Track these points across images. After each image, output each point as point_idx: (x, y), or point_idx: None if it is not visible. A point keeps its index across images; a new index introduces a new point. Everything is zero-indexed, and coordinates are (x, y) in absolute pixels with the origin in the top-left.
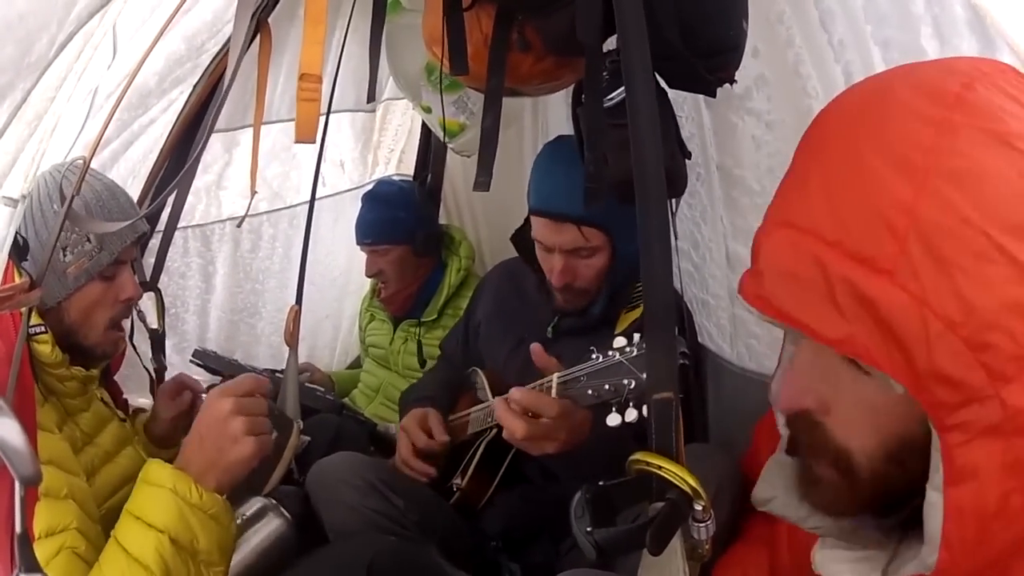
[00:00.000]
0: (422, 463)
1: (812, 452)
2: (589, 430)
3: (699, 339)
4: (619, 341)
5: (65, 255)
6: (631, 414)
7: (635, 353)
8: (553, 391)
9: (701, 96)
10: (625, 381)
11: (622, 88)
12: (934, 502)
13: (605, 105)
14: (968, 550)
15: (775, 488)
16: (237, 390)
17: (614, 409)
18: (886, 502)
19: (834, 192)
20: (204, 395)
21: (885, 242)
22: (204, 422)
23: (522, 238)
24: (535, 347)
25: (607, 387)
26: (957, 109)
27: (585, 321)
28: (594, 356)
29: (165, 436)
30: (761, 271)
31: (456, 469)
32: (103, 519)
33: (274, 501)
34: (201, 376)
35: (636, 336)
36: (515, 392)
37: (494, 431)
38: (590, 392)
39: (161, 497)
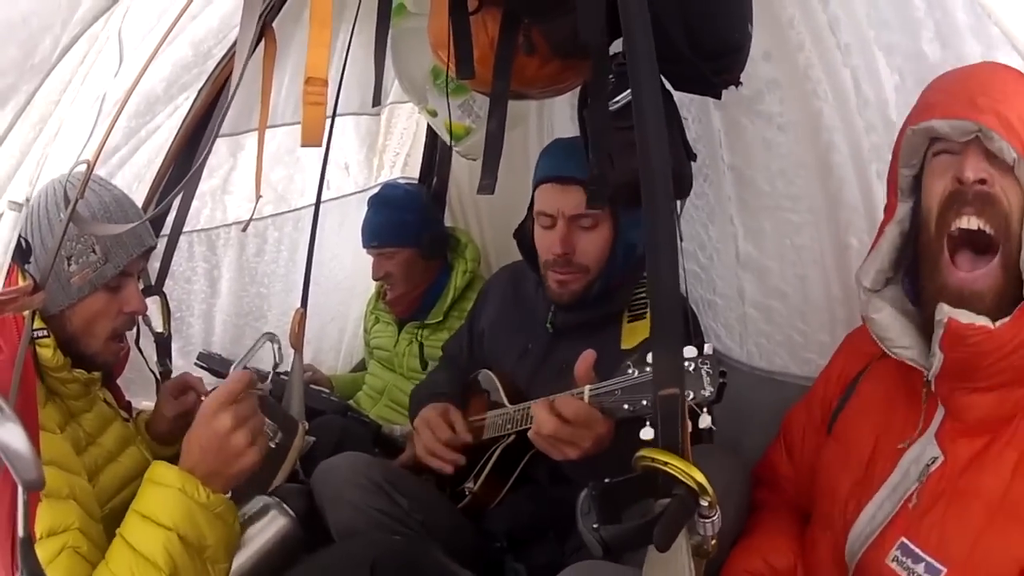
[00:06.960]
0: (451, 452)
1: (986, 217)
2: (609, 443)
3: (704, 340)
4: None
5: (70, 264)
6: None
7: None
8: (585, 401)
9: (710, 98)
10: None
11: (628, 91)
12: None
13: (611, 108)
14: None
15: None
16: (231, 397)
17: (648, 423)
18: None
19: None
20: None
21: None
22: (204, 436)
23: (523, 234)
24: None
25: (644, 402)
26: None
27: (583, 318)
28: (630, 371)
29: (167, 433)
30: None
31: (469, 473)
32: (106, 518)
33: (279, 500)
34: (205, 379)
35: None
36: (560, 400)
37: (512, 437)
38: (626, 406)
39: (170, 497)
